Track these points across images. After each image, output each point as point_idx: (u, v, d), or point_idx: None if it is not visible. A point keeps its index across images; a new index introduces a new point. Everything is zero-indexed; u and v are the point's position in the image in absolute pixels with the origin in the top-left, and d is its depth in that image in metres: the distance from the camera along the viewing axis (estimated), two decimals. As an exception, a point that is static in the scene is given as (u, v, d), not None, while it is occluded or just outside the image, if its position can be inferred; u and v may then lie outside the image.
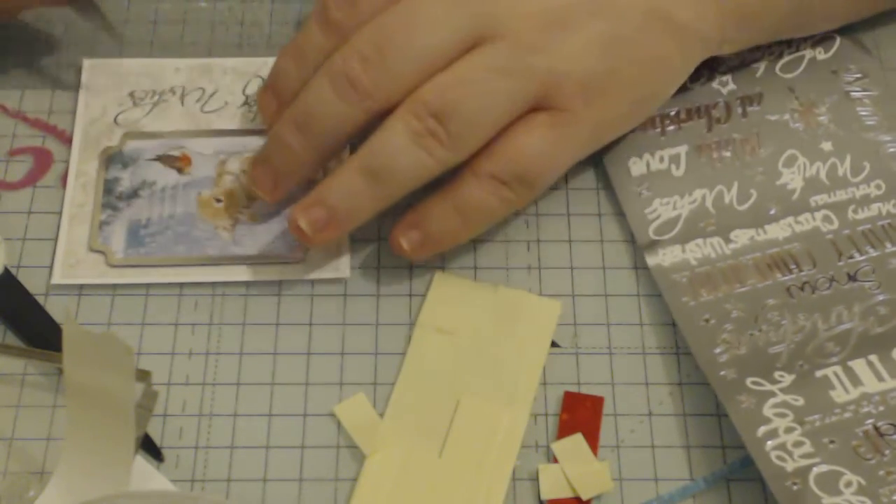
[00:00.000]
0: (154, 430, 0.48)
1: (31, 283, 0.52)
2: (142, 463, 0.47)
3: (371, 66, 0.48)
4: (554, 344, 0.51)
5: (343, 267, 0.52)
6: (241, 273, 0.52)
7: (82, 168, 0.54)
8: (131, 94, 0.57)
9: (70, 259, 0.52)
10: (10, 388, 0.49)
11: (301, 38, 0.52)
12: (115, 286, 0.52)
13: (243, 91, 0.57)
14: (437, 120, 0.47)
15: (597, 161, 0.55)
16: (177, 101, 0.57)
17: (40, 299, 0.51)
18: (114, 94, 0.57)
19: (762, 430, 0.46)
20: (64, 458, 0.45)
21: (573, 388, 0.50)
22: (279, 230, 0.53)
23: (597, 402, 0.49)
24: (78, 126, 0.56)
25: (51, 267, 0.52)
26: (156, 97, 0.57)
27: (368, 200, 0.49)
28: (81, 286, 0.52)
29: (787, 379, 0.48)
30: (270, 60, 0.57)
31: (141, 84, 0.57)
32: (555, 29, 0.48)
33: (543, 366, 0.50)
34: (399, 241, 0.50)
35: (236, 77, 0.57)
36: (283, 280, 0.52)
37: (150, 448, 0.48)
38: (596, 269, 0.53)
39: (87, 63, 0.58)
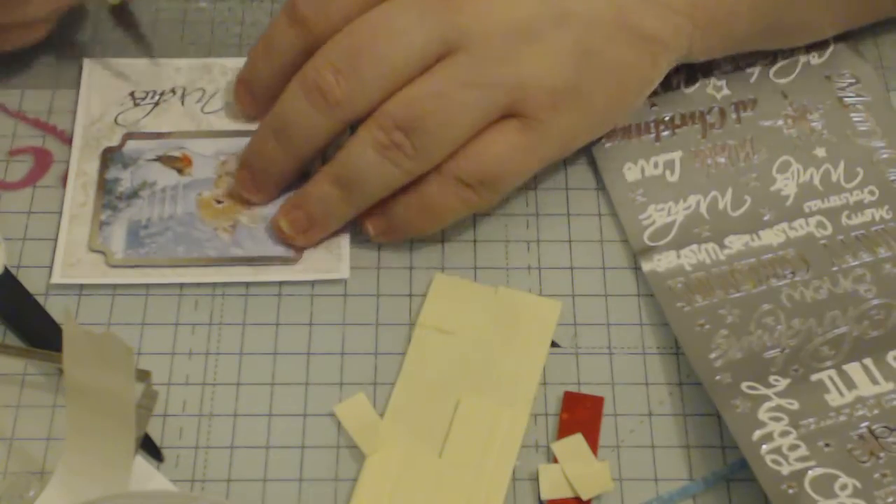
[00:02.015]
0: (154, 430, 0.48)
1: (31, 283, 0.52)
2: (142, 463, 0.47)
3: (343, 76, 0.49)
4: (554, 344, 0.51)
5: (343, 267, 0.52)
6: (241, 274, 0.52)
7: (82, 168, 0.54)
8: (132, 95, 0.57)
9: (70, 259, 0.52)
10: (10, 388, 0.49)
11: (270, 33, 0.53)
12: (114, 286, 0.52)
13: None
14: (404, 133, 0.48)
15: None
16: (177, 102, 0.57)
17: (40, 299, 0.51)
18: (114, 94, 0.57)
19: (757, 433, 0.46)
20: (64, 458, 0.45)
21: (573, 388, 0.50)
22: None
23: (597, 402, 0.49)
24: (78, 126, 0.56)
25: (50, 267, 0.52)
26: (156, 97, 0.57)
27: (342, 207, 0.51)
28: (81, 286, 0.52)
29: (782, 383, 0.48)
30: None
31: (141, 84, 0.57)
32: (523, 40, 0.49)
33: (543, 366, 0.50)
34: (366, 224, 0.52)
35: (236, 77, 0.57)
36: (283, 280, 0.52)
37: (150, 448, 0.48)
38: (596, 269, 0.53)
39: (87, 63, 0.58)
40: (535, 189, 0.55)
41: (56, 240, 0.53)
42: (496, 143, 0.49)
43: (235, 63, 0.58)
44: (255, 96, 0.55)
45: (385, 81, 0.49)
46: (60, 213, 0.54)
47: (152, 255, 0.52)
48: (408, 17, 0.49)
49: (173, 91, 0.57)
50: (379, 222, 0.52)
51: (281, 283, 0.52)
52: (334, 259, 0.52)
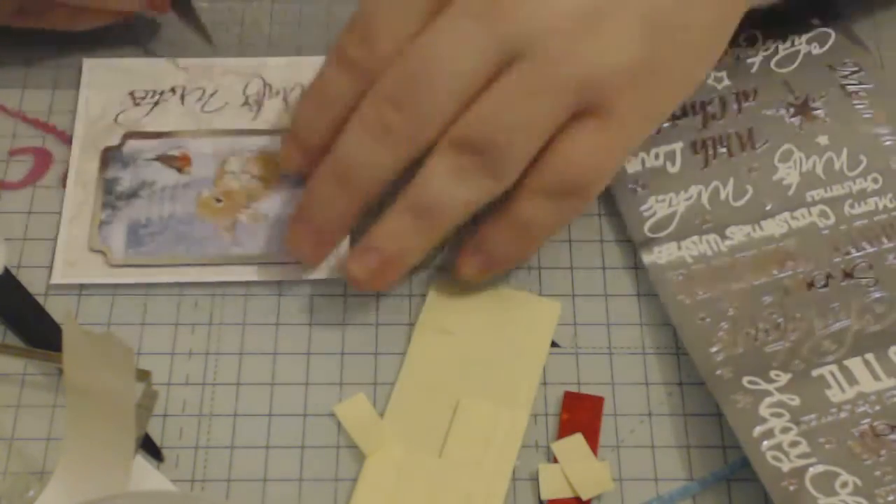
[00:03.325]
0: (154, 430, 0.48)
1: (31, 283, 0.52)
2: (142, 463, 0.47)
3: (403, 108, 0.47)
4: (554, 344, 0.51)
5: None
6: (242, 273, 0.52)
7: (82, 167, 0.54)
8: (132, 94, 0.57)
9: (70, 258, 0.52)
10: (10, 388, 0.49)
11: (320, 83, 0.50)
12: (114, 286, 0.52)
13: (243, 91, 0.57)
14: (477, 153, 0.46)
15: (597, 161, 0.55)
16: (177, 101, 0.57)
17: (40, 299, 0.51)
18: (114, 93, 0.57)
19: (758, 430, 0.46)
20: (64, 458, 0.45)
21: (573, 388, 0.50)
22: (279, 230, 0.53)
23: (597, 402, 0.49)
24: (78, 125, 0.56)
25: (50, 267, 0.52)
26: (156, 97, 0.57)
27: (419, 240, 0.48)
28: (81, 286, 0.52)
29: (784, 378, 0.48)
30: (270, 60, 0.57)
31: (141, 84, 0.57)
32: (581, 31, 0.46)
33: (543, 366, 0.50)
34: (464, 270, 0.50)
35: (236, 77, 0.57)
36: (283, 280, 0.52)
37: (150, 448, 0.48)
38: (596, 269, 0.53)
39: (87, 63, 0.58)
40: (535, 189, 0.55)
41: (56, 239, 0.53)
42: (578, 146, 0.47)
43: (236, 63, 0.58)
44: (307, 152, 0.51)
45: (448, 106, 0.47)
46: (60, 212, 0.54)
47: (152, 255, 0.52)
48: (458, 35, 0.47)
49: (173, 90, 0.57)
50: (475, 261, 0.49)
51: (281, 283, 0.52)
52: (334, 259, 0.52)
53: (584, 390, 0.50)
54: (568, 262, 0.53)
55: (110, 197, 0.54)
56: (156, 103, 0.57)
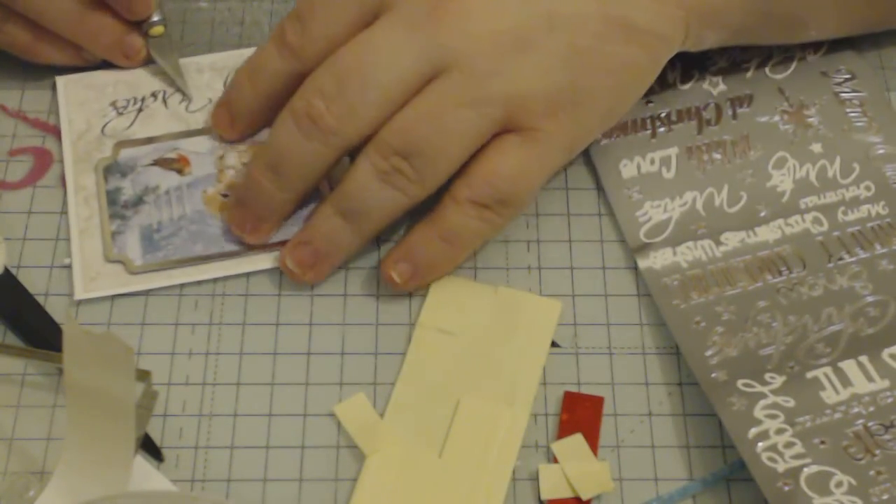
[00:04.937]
0: (154, 430, 0.48)
1: (31, 283, 0.52)
2: (142, 463, 0.47)
3: (333, 103, 0.48)
4: (554, 344, 0.51)
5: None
6: (265, 261, 0.52)
7: (80, 182, 0.54)
8: (113, 104, 0.57)
9: (90, 273, 0.52)
10: (10, 388, 0.49)
11: (257, 57, 0.53)
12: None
13: (224, 85, 0.57)
14: (404, 158, 0.48)
15: (597, 161, 0.55)
16: (160, 105, 0.57)
17: (40, 299, 0.51)
18: (95, 106, 0.57)
19: (753, 431, 0.46)
20: (64, 458, 0.45)
21: (573, 388, 0.50)
22: (292, 214, 0.53)
23: (597, 402, 0.49)
24: (66, 142, 0.55)
25: (67, 284, 0.52)
26: (138, 104, 0.57)
27: (349, 238, 0.50)
28: (108, 298, 0.51)
29: (778, 380, 0.48)
30: (246, 52, 0.56)
31: (120, 93, 0.57)
32: (512, 50, 0.48)
33: (543, 366, 0.50)
34: (390, 274, 0.50)
35: (214, 73, 0.57)
36: (285, 279, 0.52)
37: (150, 448, 0.48)
38: (596, 269, 0.53)
39: (60, 80, 0.57)
40: (535, 189, 0.55)
41: (70, 257, 0.52)
42: (504, 159, 0.49)
43: (212, 59, 0.58)
44: (234, 120, 0.54)
45: (376, 105, 0.48)
46: (61, 212, 0.54)
47: (171, 257, 0.52)
48: (395, 39, 0.48)
49: (154, 95, 0.57)
50: (403, 269, 0.50)
51: (281, 283, 0.52)
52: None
53: (584, 390, 0.50)
54: (568, 262, 0.53)
55: (116, 207, 0.54)
56: (139, 110, 0.56)
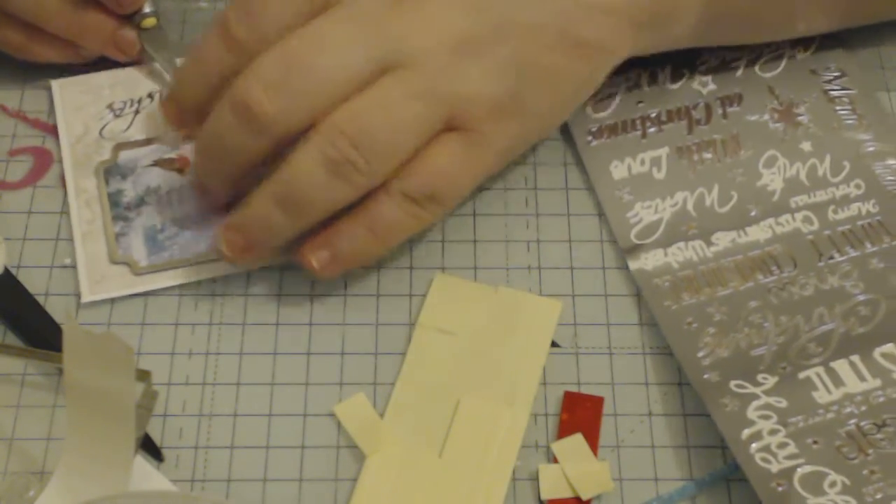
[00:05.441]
0: (154, 430, 0.48)
1: (32, 283, 0.52)
2: (142, 463, 0.47)
3: (275, 93, 0.47)
4: (554, 344, 0.51)
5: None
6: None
7: (81, 186, 0.54)
8: (110, 106, 0.57)
9: (95, 276, 0.52)
10: (10, 388, 0.49)
11: (201, 49, 0.51)
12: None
13: None
14: (354, 146, 0.47)
15: (597, 161, 0.55)
16: (157, 106, 0.56)
17: (40, 299, 0.51)
18: (91, 109, 0.57)
19: (746, 432, 0.46)
20: (64, 458, 0.45)
21: (573, 388, 0.50)
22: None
23: (597, 402, 0.49)
24: (64, 146, 0.55)
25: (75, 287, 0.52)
26: (135, 105, 0.57)
27: (285, 227, 0.49)
28: (114, 300, 0.52)
29: (771, 381, 0.48)
30: None
31: (116, 95, 0.57)
32: (463, 53, 0.48)
33: (543, 366, 0.50)
34: (309, 260, 0.49)
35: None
36: (285, 279, 0.52)
37: (150, 448, 0.48)
38: (596, 269, 0.53)
39: (55, 84, 0.57)
40: (535, 189, 0.55)
41: (74, 260, 0.52)
42: (440, 157, 0.48)
43: None
44: (182, 112, 0.53)
45: (318, 97, 0.47)
46: (61, 212, 0.54)
47: (177, 257, 0.52)
48: (346, 31, 0.48)
49: (150, 96, 0.57)
50: (323, 255, 0.49)
51: (281, 283, 0.52)
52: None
53: (584, 390, 0.50)
54: (568, 262, 0.53)
55: (119, 209, 0.54)
56: (136, 112, 0.56)
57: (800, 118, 0.56)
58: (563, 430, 0.48)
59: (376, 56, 0.48)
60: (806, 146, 0.55)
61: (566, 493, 0.47)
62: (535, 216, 0.54)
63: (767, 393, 0.48)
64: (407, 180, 0.48)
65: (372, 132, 0.47)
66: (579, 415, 0.49)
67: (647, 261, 0.52)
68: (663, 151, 0.55)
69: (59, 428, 0.48)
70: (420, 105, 0.47)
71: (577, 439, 0.48)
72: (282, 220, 0.48)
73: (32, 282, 0.52)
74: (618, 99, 0.56)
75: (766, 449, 0.46)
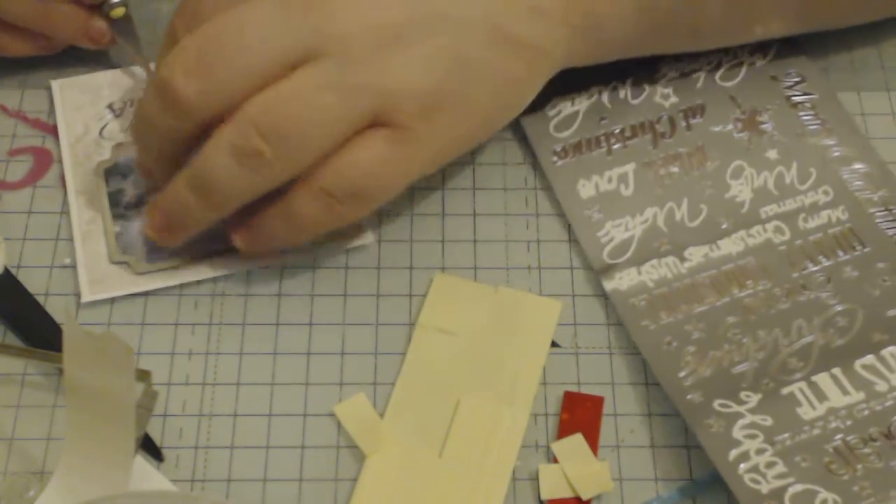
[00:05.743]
0: (154, 430, 0.48)
1: (32, 283, 0.52)
2: (142, 463, 0.47)
3: (193, 78, 0.46)
4: (554, 344, 0.51)
5: (367, 234, 0.53)
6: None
7: (81, 186, 0.54)
8: (110, 106, 0.57)
9: (94, 276, 0.52)
10: (10, 388, 0.49)
11: (164, 41, 0.51)
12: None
13: None
14: (263, 138, 0.46)
15: (597, 161, 0.55)
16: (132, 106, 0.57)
17: (40, 299, 0.51)
18: (91, 109, 0.57)
19: (734, 453, 0.46)
20: (64, 458, 0.45)
21: (573, 388, 0.50)
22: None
23: (597, 402, 0.49)
24: (64, 146, 0.55)
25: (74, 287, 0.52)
26: (135, 105, 0.56)
27: (201, 213, 0.48)
28: (114, 300, 0.52)
29: (754, 399, 0.48)
30: None
31: (116, 94, 0.57)
32: (390, 45, 0.47)
33: (543, 366, 0.50)
34: (234, 237, 0.50)
35: None
36: (285, 279, 0.52)
37: (150, 448, 0.48)
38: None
39: (55, 84, 0.57)
40: (535, 189, 0.55)
41: (74, 259, 0.52)
42: (365, 154, 0.47)
43: None
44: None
45: (236, 83, 0.46)
46: (61, 212, 0.54)
47: (177, 256, 0.52)
48: (268, 18, 0.46)
49: None
50: (245, 235, 0.49)
51: (281, 283, 0.52)
52: (356, 227, 0.53)
53: (584, 390, 0.50)
54: (568, 263, 0.53)
55: (119, 209, 0.53)
56: None
57: (764, 126, 0.55)
58: (563, 430, 0.48)
59: (298, 42, 0.46)
60: (772, 154, 0.54)
61: (566, 493, 0.47)
62: (535, 216, 0.54)
63: (752, 411, 0.47)
64: (328, 177, 0.47)
65: (283, 124, 0.46)
66: (579, 415, 0.49)
67: (622, 280, 0.51)
68: (629, 167, 0.54)
69: (59, 428, 0.48)
70: (337, 97, 0.46)
71: (577, 439, 0.48)
72: (196, 205, 0.48)
73: (32, 282, 0.52)
74: (580, 117, 0.56)
75: (755, 469, 0.45)
